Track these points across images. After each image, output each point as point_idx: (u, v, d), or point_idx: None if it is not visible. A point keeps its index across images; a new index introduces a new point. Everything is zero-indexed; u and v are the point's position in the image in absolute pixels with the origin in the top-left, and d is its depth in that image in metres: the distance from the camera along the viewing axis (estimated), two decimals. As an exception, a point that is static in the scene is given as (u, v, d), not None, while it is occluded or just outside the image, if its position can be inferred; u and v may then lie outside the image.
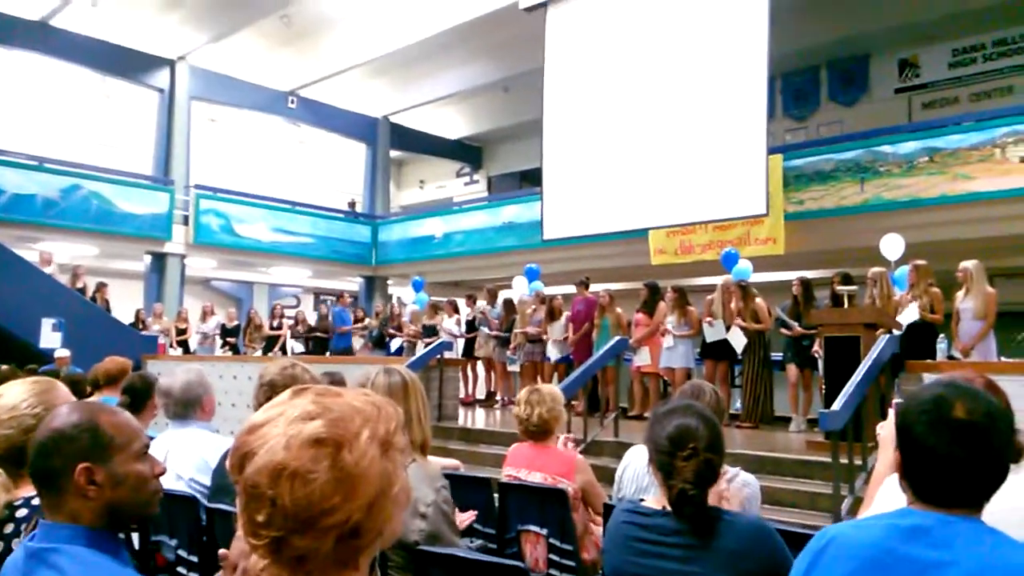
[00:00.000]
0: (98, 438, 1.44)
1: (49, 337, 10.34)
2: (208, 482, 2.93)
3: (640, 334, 8.94)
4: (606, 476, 3.97)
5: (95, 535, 1.39)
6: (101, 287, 12.58)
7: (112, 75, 15.43)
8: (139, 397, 3.47)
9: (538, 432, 3.45)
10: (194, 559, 2.90)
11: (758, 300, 8.48)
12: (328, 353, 12.43)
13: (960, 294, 6.87)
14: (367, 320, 12.90)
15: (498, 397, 11.01)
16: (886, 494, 1.95)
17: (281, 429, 0.93)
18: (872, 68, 14.60)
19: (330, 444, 0.92)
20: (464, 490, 3.67)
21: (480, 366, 11.50)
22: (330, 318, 13.20)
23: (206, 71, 15.75)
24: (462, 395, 10.77)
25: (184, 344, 13.18)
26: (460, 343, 11.48)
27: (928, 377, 5.39)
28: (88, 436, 1.43)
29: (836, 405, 5.20)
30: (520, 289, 11.35)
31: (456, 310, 11.97)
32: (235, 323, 13.43)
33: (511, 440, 4.03)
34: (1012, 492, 1.40)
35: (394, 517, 0.99)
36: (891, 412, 2.06)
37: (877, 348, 5.88)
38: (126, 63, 14.94)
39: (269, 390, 2.63)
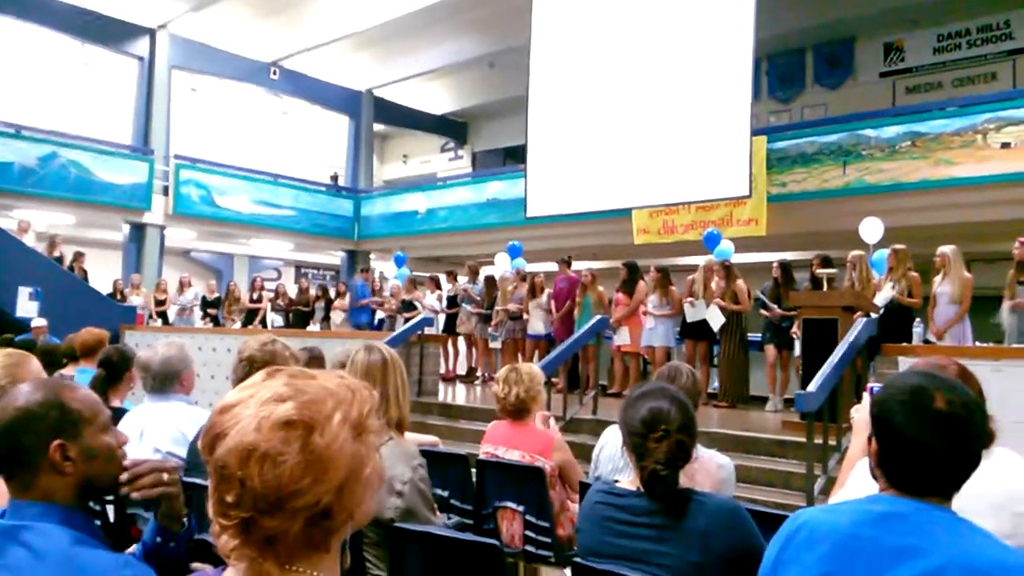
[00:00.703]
0: (66, 414, 1.43)
1: (26, 306, 10.24)
2: (184, 454, 2.92)
3: (620, 313, 8.98)
4: (584, 453, 4.00)
5: (67, 512, 1.39)
6: (79, 256, 12.44)
7: (91, 42, 15.13)
8: (116, 370, 3.44)
9: (516, 411, 3.46)
10: (170, 532, 2.89)
11: (739, 282, 8.52)
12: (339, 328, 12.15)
13: (937, 279, 6.95)
14: (347, 295, 12.80)
15: (479, 373, 11.04)
16: (858, 477, 1.98)
17: (252, 410, 0.93)
18: (857, 52, 14.62)
19: (301, 426, 0.92)
20: (442, 467, 3.69)
21: (461, 342, 11.52)
22: (310, 290, 13.14)
23: (187, 40, 15.47)
24: (443, 371, 10.78)
25: (163, 315, 13.09)
26: (441, 319, 11.48)
27: (904, 361, 5.48)
28: (56, 413, 1.42)
29: (812, 387, 5.24)
30: (502, 266, 11.34)
31: (438, 286, 11.96)
32: (215, 295, 13.34)
33: (491, 416, 4.05)
34: (979, 479, 1.42)
35: (365, 500, 0.99)
36: (865, 396, 2.09)
37: (854, 331, 5.94)
38: (105, 30, 14.64)
39: (248, 366, 2.62)
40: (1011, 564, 1.28)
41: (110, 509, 3.10)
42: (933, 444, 1.35)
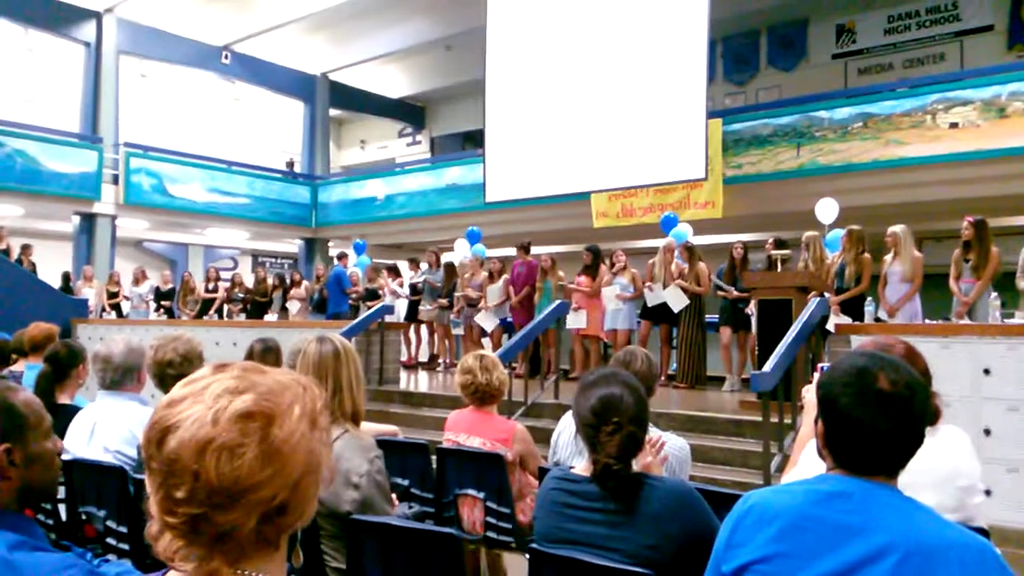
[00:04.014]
0: (14, 418, 1.40)
1: (-28, 302, 9.94)
2: (135, 454, 2.87)
3: (579, 297, 8.99)
4: (546, 438, 4.02)
5: (5, 516, 1.35)
6: (26, 249, 12.10)
7: (35, 27, 14.72)
8: (62, 366, 3.35)
9: (487, 397, 3.48)
10: (123, 529, 2.85)
11: (701, 264, 8.60)
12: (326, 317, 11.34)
13: (888, 258, 7.07)
14: (304, 283, 12.61)
15: (441, 360, 11.01)
16: (808, 457, 2.01)
17: (207, 403, 0.91)
18: (810, 33, 14.80)
19: (260, 418, 0.91)
20: (401, 456, 3.68)
21: (423, 329, 11.46)
22: (267, 280, 12.94)
23: (135, 24, 15.08)
24: (404, 358, 10.71)
25: (117, 308, 12.81)
26: (403, 307, 11.39)
27: (856, 339, 5.57)
28: (4, 417, 1.38)
29: (767, 367, 5.32)
30: (462, 252, 11.29)
31: (398, 274, 11.84)
32: (169, 286, 13.09)
33: (452, 403, 4.05)
34: (925, 455, 1.45)
35: (315, 497, 0.98)
36: (816, 376, 2.12)
37: (808, 311, 6.03)
38: (50, 15, 14.21)
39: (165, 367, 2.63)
40: (952, 541, 1.31)
41: (62, 508, 3.05)
42: (877, 424, 1.37)
